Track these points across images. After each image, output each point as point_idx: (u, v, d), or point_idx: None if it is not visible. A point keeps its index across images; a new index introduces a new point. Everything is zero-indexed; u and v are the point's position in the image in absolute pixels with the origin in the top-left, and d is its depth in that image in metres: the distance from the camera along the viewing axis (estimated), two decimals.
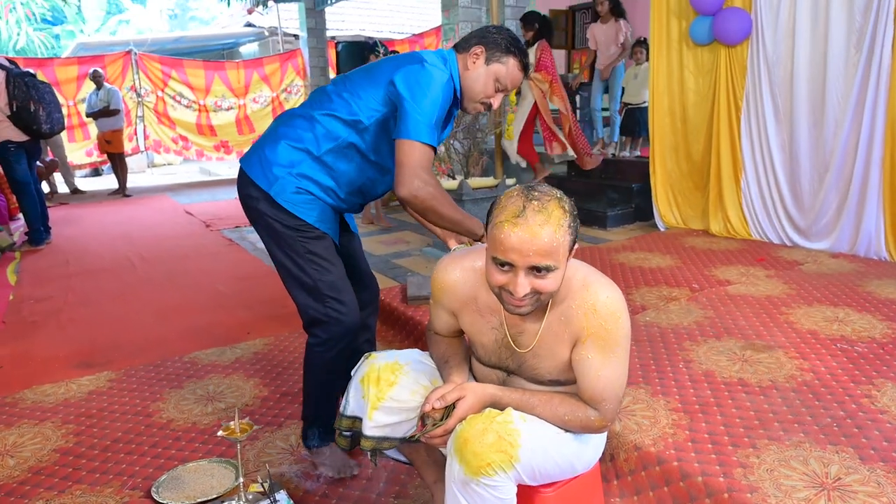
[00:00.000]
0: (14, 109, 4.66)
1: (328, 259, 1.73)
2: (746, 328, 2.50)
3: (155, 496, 1.75)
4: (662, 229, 4.58)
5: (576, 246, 1.22)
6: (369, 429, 1.40)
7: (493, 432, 1.19)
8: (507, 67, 1.71)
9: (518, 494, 1.30)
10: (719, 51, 4.12)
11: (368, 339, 2.06)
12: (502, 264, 1.17)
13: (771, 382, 2.02)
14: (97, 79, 8.13)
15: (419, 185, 1.55)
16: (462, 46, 1.73)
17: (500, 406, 1.27)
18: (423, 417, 1.26)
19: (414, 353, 1.51)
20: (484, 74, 1.70)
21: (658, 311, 2.76)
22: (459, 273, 1.37)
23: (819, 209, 3.73)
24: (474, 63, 1.71)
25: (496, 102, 1.75)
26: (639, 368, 2.17)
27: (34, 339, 3.14)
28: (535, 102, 5.14)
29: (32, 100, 4.67)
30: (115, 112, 8.19)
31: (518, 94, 5.19)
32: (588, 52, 6.32)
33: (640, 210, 5.07)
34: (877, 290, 2.90)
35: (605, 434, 1.47)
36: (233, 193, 8.13)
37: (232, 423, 1.59)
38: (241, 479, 1.63)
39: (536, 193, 1.17)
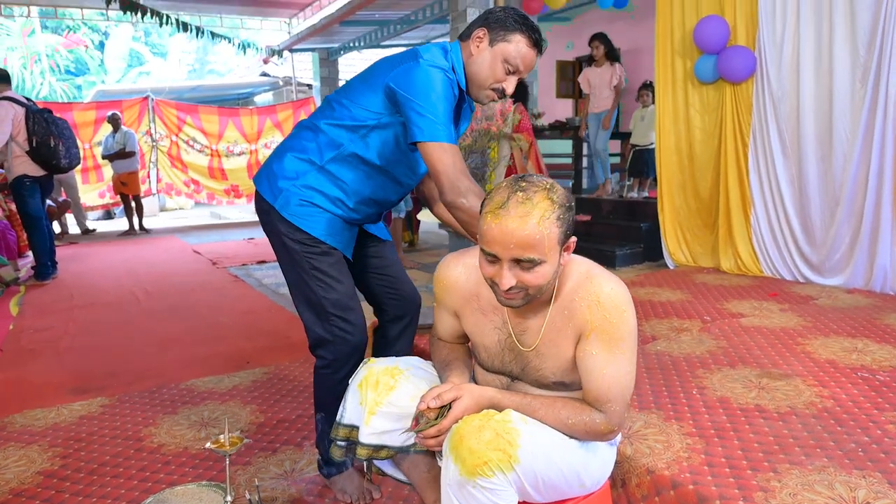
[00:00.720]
0: (34, 145, 4.75)
1: (334, 276, 1.65)
2: (762, 357, 2.40)
3: None
4: (672, 267, 4.51)
5: (572, 239, 1.17)
6: (366, 436, 1.32)
7: (490, 429, 1.11)
8: (515, 44, 1.55)
9: None
10: (724, 88, 4.14)
11: (398, 353, 1.90)
12: (489, 256, 1.14)
13: (790, 409, 1.92)
14: (115, 122, 8.32)
15: (466, 190, 1.45)
16: (465, 34, 1.62)
17: (499, 409, 1.20)
18: (417, 417, 1.19)
19: (414, 360, 1.45)
20: (490, 57, 1.56)
21: (669, 340, 2.67)
22: (461, 269, 1.33)
23: (831, 244, 3.66)
24: (478, 47, 1.58)
25: (509, 87, 1.60)
26: (650, 394, 2.08)
27: (30, 365, 3.08)
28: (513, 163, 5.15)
29: (52, 135, 4.77)
30: (132, 154, 8.38)
31: (499, 152, 5.17)
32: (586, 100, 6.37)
33: (650, 249, 5.02)
34: (895, 322, 2.80)
35: (615, 449, 1.38)
36: (241, 235, 8.22)
37: (221, 435, 1.51)
38: (229, 498, 1.54)
39: (524, 184, 1.14)
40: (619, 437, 1.39)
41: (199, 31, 8.10)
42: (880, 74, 3.35)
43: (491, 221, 1.12)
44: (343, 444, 1.40)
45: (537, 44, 1.57)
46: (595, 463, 1.27)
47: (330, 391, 1.69)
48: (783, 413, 1.89)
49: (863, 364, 2.29)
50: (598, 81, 5.96)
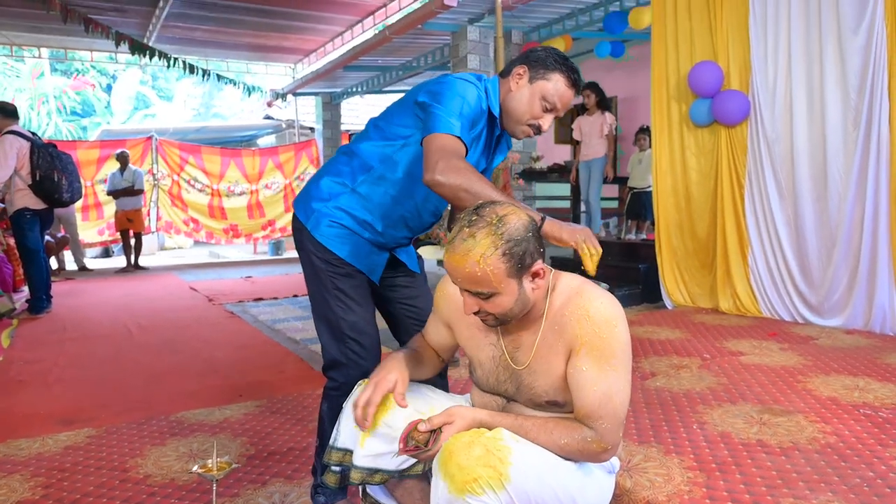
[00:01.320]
0: (37, 178, 4.78)
1: (354, 298, 1.65)
2: (762, 394, 2.37)
3: None
4: (671, 308, 4.49)
5: (538, 265, 1.17)
6: (360, 458, 1.29)
7: (480, 445, 1.08)
8: (553, 83, 1.57)
9: None
10: (719, 131, 4.21)
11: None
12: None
13: (792, 444, 1.88)
14: (124, 159, 8.41)
15: (443, 166, 1.40)
16: (505, 71, 1.66)
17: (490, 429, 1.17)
18: (406, 438, 1.16)
19: (412, 382, 1.42)
20: (528, 94, 1.59)
21: (669, 377, 2.63)
22: None
23: (829, 285, 3.66)
24: (517, 84, 1.60)
25: (545, 124, 1.62)
26: (650, 429, 2.04)
27: (18, 396, 3.02)
28: None
29: (56, 169, 4.81)
30: (140, 192, 8.48)
31: None
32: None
33: (648, 291, 5.01)
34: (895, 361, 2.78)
35: (614, 477, 1.34)
36: (239, 273, 8.20)
37: (209, 460, 1.47)
38: None
39: (474, 217, 1.16)
40: (617, 465, 1.35)
41: (205, 73, 8.27)
42: (871, 117, 3.42)
43: (444, 255, 1.17)
44: (337, 469, 1.36)
45: (575, 84, 1.61)
46: (592, 488, 1.23)
47: (335, 414, 1.67)
48: (786, 448, 1.85)
49: (865, 401, 2.25)
50: (589, 129, 6.02)
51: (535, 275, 1.19)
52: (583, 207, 7.25)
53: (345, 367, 1.64)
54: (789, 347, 3.10)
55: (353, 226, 1.64)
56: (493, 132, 1.68)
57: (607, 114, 5.99)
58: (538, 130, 1.64)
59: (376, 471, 1.30)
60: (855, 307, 3.54)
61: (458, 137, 1.46)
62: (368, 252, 1.68)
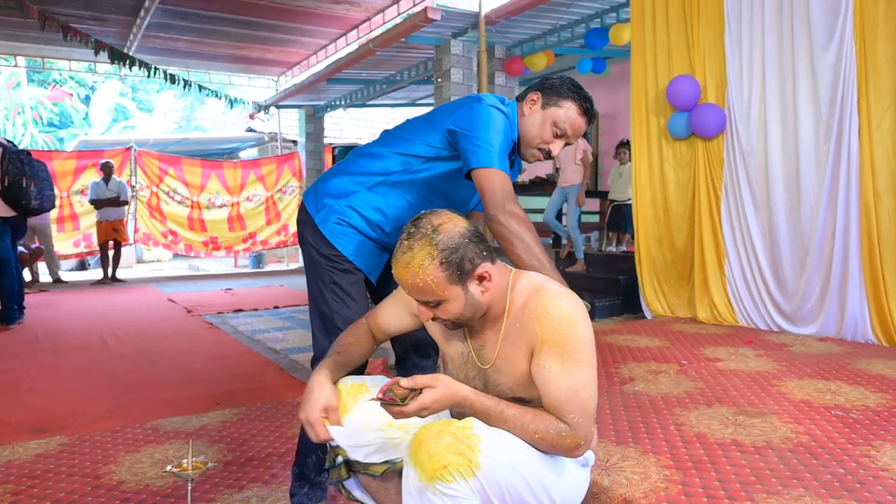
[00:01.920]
0: (5, 184, 4.70)
1: (351, 295, 1.69)
2: (738, 397, 2.40)
3: None
4: (650, 318, 4.54)
5: (480, 268, 1.20)
6: (339, 436, 1.31)
7: (450, 434, 1.10)
8: (565, 110, 1.63)
9: None
10: (697, 144, 4.30)
11: None
12: None
13: (766, 443, 1.91)
14: (108, 169, 8.32)
15: (511, 209, 1.48)
16: (521, 96, 1.71)
17: (470, 409, 1.17)
18: (386, 391, 1.16)
19: (384, 379, 1.42)
20: (540, 119, 1.65)
21: (647, 382, 2.66)
22: None
23: (803, 294, 3.73)
24: (531, 109, 1.66)
25: (556, 149, 1.67)
26: (628, 430, 2.05)
27: None
28: None
29: (25, 175, 4.72)
30: (126, 203, 8.46)
31: None
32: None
33: (628, 302, 5.06)
34: (867, 367, 2.83)
35: (588, 471, 1.35)
36: (219, 285, 8.12)
37: (184, 460, 1.45)
38: None
39: (412, 230, 1.21)
40: (591, 459, 1.36)
41: (186, 84, 8.24)
42: (842, 131, 3.51)
43: (392, 268, 1.23)
44: (340, 463, 1.37)
45: (587, 112, 1.66)
46: (566, 480, 1.24)
47: None
48: (760, 447, 1.88)
49: (836, 403, 2.29)
50: (564, 156, 5.91)
51: (481, 278, 1.22)
52: (564, 221, 7.29)
53: None
54: (764, 354, 3.15)
55: (361, 225, 1.69)
56: (512, 155, 1.73)
57: (581, 140, 5.96)
58: (548, 155, 1.70)
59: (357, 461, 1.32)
60: (827, 315, 3.60)
61: (507, 174, 1.54)
62: (371, 252, 1.72)
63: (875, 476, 1.66)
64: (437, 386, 1.15)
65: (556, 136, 1.65)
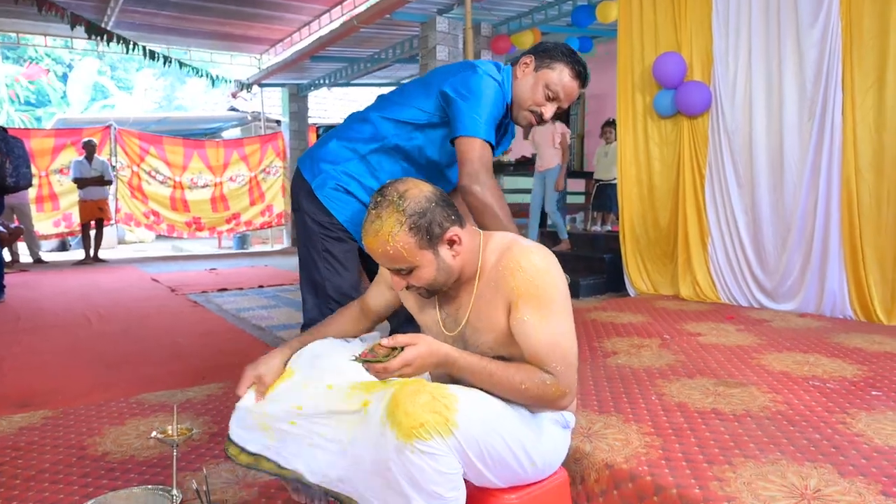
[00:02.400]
0: None
1: (343, 263, 1.71)
2: (718, 369, 2.44)
3: None
4: (633, 295, 4.58)
5: (450, 232, 1.22)
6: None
7: (426, 393, 1.11)
8: (557, 73, 1.64)
9: (478, 498, 1.19)
10: (682, 122, 4.31)
11: None
12: None
13: (745, 411, 1.95)
14: (91, 148, 8.20)
15: (484, 181, 1.51)
16: (515, 60, 1.72)
17: (453, 368, 1.19)
18: (367, 350, 1.18)
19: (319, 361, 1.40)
20: (532, 80, 1.65)
21: (630, 355, 2.69)
22: None
23: (784, 271, 3.78)
24: (524, 71, 1.67)
25: (547, 112, 1.68)
26: (610, 400, 2.08)
27: None
28: None
29: (0, 152, 4.64)
30: (109, 182, 8.38)
31: None
32: None
33: (612, 280, 5.10)
34: (845, 341, 2.89)
35: (568, 433, 1.37)
36: (203, 265, 8.05)
37: (169, 426, 1.46)
38: (176, 492, 1.47)
39: (379, 199, 1.24)
40: (571, 421, 1.38)
41: (167, 60, 8.08)
42: (826, 108, 3.54)
43: (362, 239, 1.26)
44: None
45: (580, 76, 1.66)
46: (545, 441, 1.26)
47: None
48: (739, 415, 1.92)
49: (814, 375, 2.34)
50: (541, 140, 5.94)
51: (451, 241, 1.23)
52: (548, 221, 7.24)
53: None
54: (745, 329, 3.20)
55: (358, 192, 1.69)
56: (505, 119, 1.74)
57: (558, 123, 5.91)
58: (540, 118, 1.70)
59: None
60: (807, 292, 3.66)
61: (490, 143, 1.55)
62: None
63: (850, 441, 1.70)
64: (419, 343, 1.16)
65: (549, 99, 1.66)
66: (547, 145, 5.90)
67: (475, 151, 1.53)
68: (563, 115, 6.00)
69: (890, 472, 1.50)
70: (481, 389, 1.20)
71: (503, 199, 1.56)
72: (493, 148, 1.59)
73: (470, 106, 1.55)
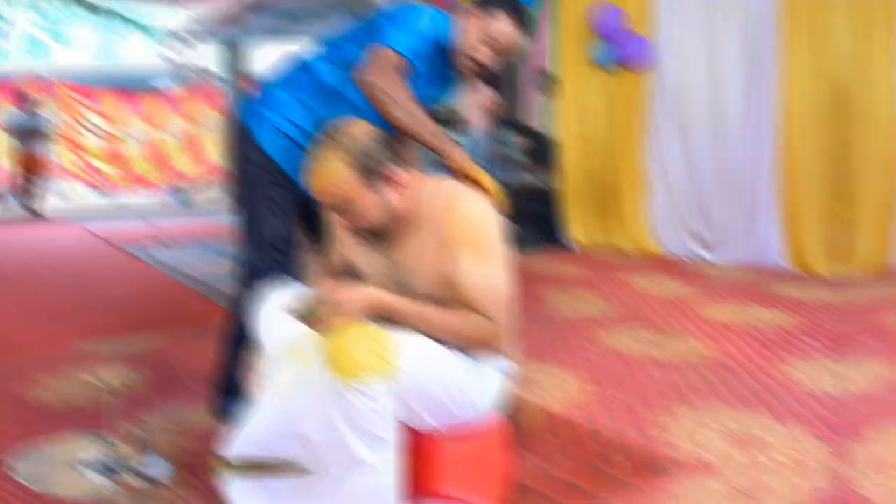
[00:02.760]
0: None
1: (283, 209, 1.67)
2: (657, 320, 2.50)
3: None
4: (573, 248, 4.61)
5: (391, 171, 1.23)
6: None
7: (367, 337, 1.12)
8: (496, 21, 1.60)
9: (418, 443, 1.19)
10: (622, 75, 4.27)
11: None
12: None
13: (683, 360, 2.00)
14: (26, 99, 7.90)
15: (379, 72, 1.45)
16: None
17: (389, 312, 1.20)
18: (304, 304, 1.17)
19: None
20: (471, 27, 1.62)
21: (568, 306, 2.72)
22: None
23: (722, 223, 3.87)
24: (465, 19, 1.63)
25: (483, 56, 1.62)
26: (547, 347, 2.12)
27: None
28: None
29: None
30: (45, 135, 8.13)
31: None
32: None
33: (553, 234, 5.09)
34: (781, 291, 2.97)
35: (508, 380, 1.38)
36: (141, 221, 7.75)
37: (107, 374, 1.40)
38: (111, 438, 1.42)
39: (323, 139, 1.25)
40: (511, 368, 1.39)
41: (104, 12, 7.66)
42: (762, 56, 3.57)
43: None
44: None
45: (520, 23, 1.61)
46: (485, 383, 1.28)
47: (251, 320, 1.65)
48: (677, 364, 1.97)
49: (752, 325, 2.40)
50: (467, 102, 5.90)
51: (393, 181, 1.24)
52: None
53: (266, 275, 1.61)
54: (683, 281, 3.27)
55: (298, 137, 1.65)
56: (444, 66, 1.69)
57: (485, 89, 5.86)
58: (479, 66, 1.65)
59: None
60: (746, 244, 3.75)
61: (401, 54, 1.49)
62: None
63: (787, 389, 1.76)
64: (356, 291, 1.19)
65: (487, 45, 1.62)
66: (473, 108, 5.86)
67: (384, 55, 1.48)
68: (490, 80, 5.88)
69: (823, 416, 1.57)
70: (419, 332, 1.20)
71: (403, 100, 1.46)
72: (409, 64, 1.52)
73: (392, 25, 1.53)
